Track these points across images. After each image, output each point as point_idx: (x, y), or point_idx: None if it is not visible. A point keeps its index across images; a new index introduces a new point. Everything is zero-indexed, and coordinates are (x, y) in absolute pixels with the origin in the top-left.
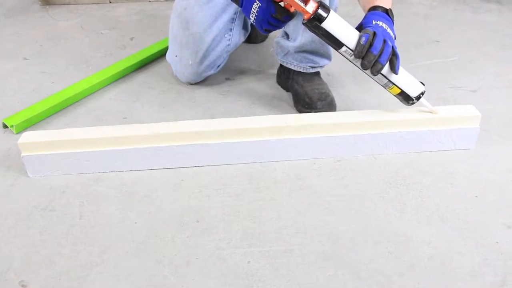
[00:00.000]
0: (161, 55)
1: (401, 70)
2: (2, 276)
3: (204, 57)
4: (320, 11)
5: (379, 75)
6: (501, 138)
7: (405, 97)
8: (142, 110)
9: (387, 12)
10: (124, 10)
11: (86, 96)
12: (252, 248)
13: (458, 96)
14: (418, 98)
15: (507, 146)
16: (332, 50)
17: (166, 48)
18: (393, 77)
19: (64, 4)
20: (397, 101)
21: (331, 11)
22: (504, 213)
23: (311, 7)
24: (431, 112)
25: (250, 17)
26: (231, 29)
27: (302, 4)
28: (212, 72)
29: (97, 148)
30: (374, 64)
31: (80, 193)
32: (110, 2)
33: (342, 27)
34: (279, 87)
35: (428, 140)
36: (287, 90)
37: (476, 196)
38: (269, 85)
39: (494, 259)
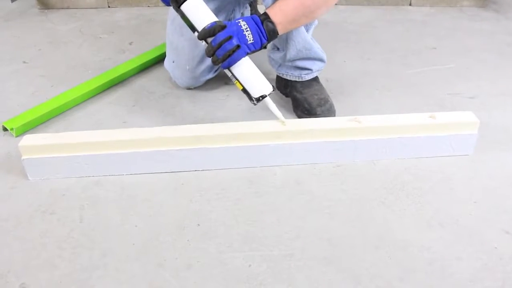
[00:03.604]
0: (160, 59)
1: (249, 69)
2: (2, 279)
3: (201, 61)
4: None
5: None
6: (499, 144)
7: (247, 95)
8: (141, 114)
9: (263, 20)
10: (123, 14)
11: (86, 100)
12: (253, 252)
13: (455, 102)
14: (258, 100)
15: (505, 151)
16: (323, 53)
17: (165, 53)
18: (237, 73)
19: (62, 8)
20: (396, 106)
21: None
22: (502, 218)
23: None
24: (281, 122)
25: None
26: None
27: None
28: (210, 76)
29: (98, 151)
30: (212, 55)
31: (81, 197)
32: (109, 7)
33: (200, 14)
34: (278, 92)
35: (427, 146)
36: (286, 96)
37: (475, 202)
38: None
39: (493, 264)
